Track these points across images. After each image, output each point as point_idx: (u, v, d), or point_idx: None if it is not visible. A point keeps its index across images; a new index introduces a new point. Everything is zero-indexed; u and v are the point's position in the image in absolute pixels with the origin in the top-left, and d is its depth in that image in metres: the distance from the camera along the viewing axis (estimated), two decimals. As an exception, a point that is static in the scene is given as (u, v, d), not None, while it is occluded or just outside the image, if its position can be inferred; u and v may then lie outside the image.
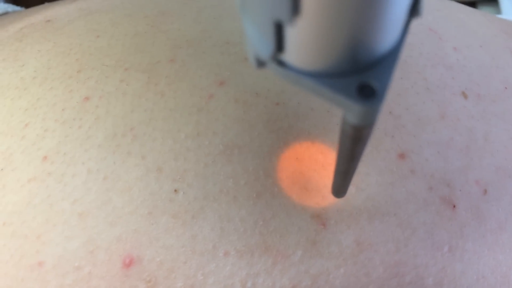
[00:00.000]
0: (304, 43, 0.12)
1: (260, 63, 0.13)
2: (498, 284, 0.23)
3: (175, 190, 0.22)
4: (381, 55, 0.12)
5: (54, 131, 0.24)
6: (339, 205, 0.22)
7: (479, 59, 0.29)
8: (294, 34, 0.12)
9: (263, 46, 0.12)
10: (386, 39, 0.12)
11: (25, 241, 0.22)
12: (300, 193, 0.22)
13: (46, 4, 0.37)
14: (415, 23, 0.30)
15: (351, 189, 0.23)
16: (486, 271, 0.23)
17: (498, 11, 0.66)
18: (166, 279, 0.21)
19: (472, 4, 0.68)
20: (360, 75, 0.12)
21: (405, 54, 0.27)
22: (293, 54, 0.12)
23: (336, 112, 0.24)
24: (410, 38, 0.29)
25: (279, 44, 0.12)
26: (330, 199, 0.22)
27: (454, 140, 0.25)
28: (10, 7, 0.41)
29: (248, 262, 0.21)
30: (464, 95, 0.27)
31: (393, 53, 0.13)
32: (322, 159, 0.23)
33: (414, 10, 0.13)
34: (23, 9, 0.41)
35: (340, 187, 0.19)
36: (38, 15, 0.34)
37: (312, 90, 0.13)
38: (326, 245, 0.22)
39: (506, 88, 0.29)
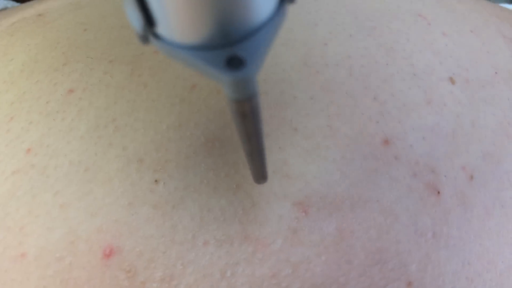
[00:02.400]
0: (171, 16, 0.12)
1: (142, 39, 0.13)
2: (485, 271, 0.23)
3: (156, 181, 0.22)
4: (252, 28, 0.13)
5: (38, 124, 0.24)
6: (321, 192, 0.22)
7: (469, 44, 0.29)
8: (160, 7, 0.12)
9: (137, 21, 0.13)
10: (255, 12, 0.13)
11: (8, 233, 0.22)
12: (282, 181, 0.22)
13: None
14: (404, 10, 0.30)
15: (335, 175, 0.22)
16: (472, 258, 0.23)
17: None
18: (146, 269, 0.21)
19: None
20: (230, 47, 0.13)
21: (391, 40, 0.27)
22: (165, 27, 0.13)
23: (319, 98, 0.24)
24: (397, 24, 0.28)
25: (147, 17, 0.13)
26: (314, 185, 0.22)
27: (440, 126, 0.25)
28: (10, 3, 0.41)
29: (228, 251, 0.21)
30: (452, 81, 0.26)
31: (267, 27, 0.13)
32: (306, 145, 0.23)
33: None
34: (20, 4, 0.41)
35: (255, 172, 0.19)
36: (31, 9, 0.34)
37: (188, 63, 0.13)
38: (307, 233, 0.21)
39: (496, 73, 0.28)
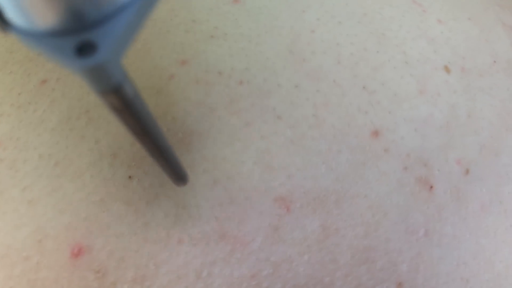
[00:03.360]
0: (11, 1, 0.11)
1: None
2: (482, 271, 0.22)
3: (130, 177, 0.21)
4: (108, 11, 0.11)
5: (9, 116, 0.23)
6: (305, 186, 0.21)
7: (466, 32, 0.27)
8: None
9: None
10: None
11: (-25, 231, 0.21)
12: (263, 173, 0.21)
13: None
14: (398, -4, 0.28)
15: (320, 168, 0.21)
16: (468, 257, 0.22)
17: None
18: (116, 269, 0.19)
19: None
20: (81, 33, 0.11)
21: (383, 27, 0.26)
22: (10, 12, 0.11)
23: (305, 86, 0.23)
24: (390, 11, 0.27)
25: None
26: (297, 179, 0.21)
27: (434, 117, 0.23)
28: None
29: (203, 250, 0.20)
30: (447, 69, 0.25)
31: (128, 10, 0.11)
32: (290, 134, 0.21)
33: None
34: None
35: (166, 172, 0.18)
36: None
37: (40, 52, 0.12)
38: (289, 230, 0.20)
39: (495, 62, 0.27)
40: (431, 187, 0.22)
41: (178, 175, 0.18)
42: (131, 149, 0.22)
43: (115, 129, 0.22)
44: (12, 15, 0.11)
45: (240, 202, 0.20)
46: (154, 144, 0.15)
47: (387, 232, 0.21)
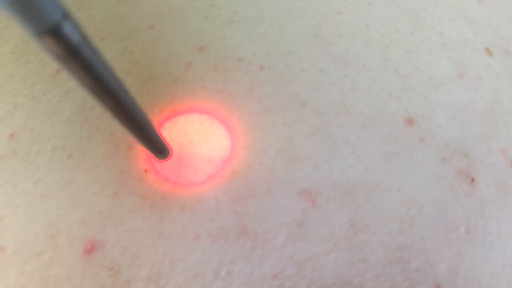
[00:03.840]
0: None
1: None
2: (530, 272, 0.20)
3: (146, 170, 0.20)
4: None
5: (23, 107, 0.23)
6: (333, 178, 0.19)
7: (509, 12, 0.25)
8: None
9: None
10: None
11: (-12, 226, 0.20)
12: (287, 164, 0.19)
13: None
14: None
15: (349, 159, 0.19)
16: (514, 257, 0.19)
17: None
18: (130, 266, 0.18)
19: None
20: None
21: (417, 7, 0.24)
22: None
23: (331, 71, 0.21)
24: (425, -9, 0.25)
25: None
26: (323, 170, 0.19)
27: (475, 103, 0.21)
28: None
29: (222, 247, 0.18)
30: (489, 52, 0.23)
31: None
32: (316, 122, 0.20)
33: None
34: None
35: (142, 142, 0.16)
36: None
37: None
38: (315, 226, 0.19)
39: (542, 43, 0.24)
40: (473, 179, 0.20)
41: (155, 147, 0.17)
42: None
43: None
44: None
45: (261, 195, 0.19)
46: (116, 105, 0.13)
47: (423, 229, 0.19)
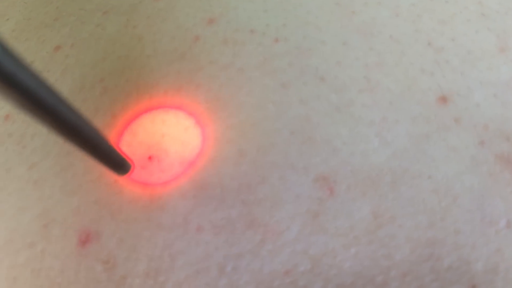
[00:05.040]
0: None
1: None
2: None
3: (149, 157, 0.18)
4: None
5: None
6: (354, 163, 0.17)
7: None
8: None
9: None
10: None
11: (-20, 213, 0.19)
12: (302, 146, 0.17)
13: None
14: None
15: (373, 142, 0.17)
16: None
17: None
18: (127, 260, 0.17)
19: None
20: None
21: (453, -27, 0.21)
22: None
23: (355, 43, 0.19)
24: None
25: None
26: (343, 154, 0.17)
27: (519, 80, 0.19)
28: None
29: (228, 240, 0.17)
30: (535, 22, 0.20)
31: None
32: (336, 100, 0.18)
33: None
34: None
35: (95, 159, 0.14)
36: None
37: None
38: (333, 218, 0.17)
39: None
40: (515, 166, 0.18)
41: (111, 163, 0.15)
42: (152, 129, 0.19)
43: (133, 101, 0.20)
44: None
45: (273, 182, 0.17)
46: (60, 126, 0.12)
47: (457, 222, 0.17)
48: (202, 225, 0.17)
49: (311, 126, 0.18)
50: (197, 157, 0.18)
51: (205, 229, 0.17)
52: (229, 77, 0.19)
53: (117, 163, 0.16)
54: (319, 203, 0.17)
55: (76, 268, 0.17)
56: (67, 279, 0.17)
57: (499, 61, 0.19)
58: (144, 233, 0.17)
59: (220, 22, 0.21)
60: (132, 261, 0.17)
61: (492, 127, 0.18)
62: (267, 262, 0.16)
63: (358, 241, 0.17)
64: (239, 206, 0.17)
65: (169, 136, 0.19)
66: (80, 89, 0.20)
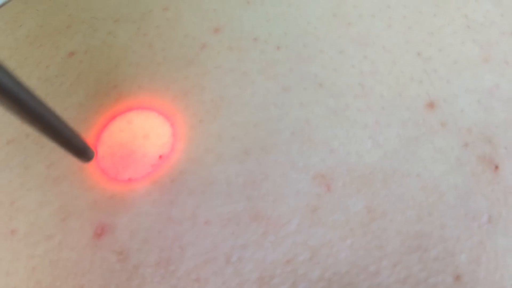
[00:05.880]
0: None
1: None
2: (557, 265, 0.19)
3: (160, 156, 0.20)
4: None
5: (36, 89, 0.22)
6: (349, 162, 0.19)
7: (539, -6, 0.24)
8: None
9: None
10: None
11: (0, 208, 0.20)
12: (302, 146, 0.19)
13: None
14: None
15: (366, 143, 0.19)
16: (540, 248, 0.19)
17: None
18: (139, 251, 0.18)
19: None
20: None
21: (441, -12, 0.23)
22: None
23: (350, 52, 0.20)
24: (449, -28, 0.24)
25: None
26: (340, 154, 0.19)
27: (500, 88, 0.20)
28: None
29: (234, 232, 0.18)
30: (516, 35, 0.22)
31: None
32: (333, 104, 0.19)
33: None
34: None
35: (58, 145, 0.15)
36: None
37: None
38: (330, 212, 0.18)
39: None
40: (496, 167, 0.19)
41: (74, 149, 0.16)
42: (162, 130, 0.20)
43: (147, 111, 0.21)
44: None
45: (275, 179, 0.18)
46: (22, 111, 0.13)
47: (443, 217, 0.18)
48: (210, 219, 0.18)
49: (310, 128, 0.19)
50: (204, 154, 0.19)
51: (212, 222, 0.18)
52: (234, 80, 0.20)
53: (80, 150, 0.17)
54: (318, 199, 0.18)
55: (91, 258, 0.19)
56: (83, 268, 0.19)
57: (482, 70, 0.21)
58: (155, 226, 0.18)
59: (225, 31, 0.22)
60: (144, 252, 0.18)
61: (475, 131, 0.20)
62: (270, 252, 0.18)
63: (353, 233, 0.18)
64: (244, 201, 0.18)
65: (175, 135, 0.20)
66: (95, 94, 0.21)
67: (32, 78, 0.23)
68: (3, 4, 0.37)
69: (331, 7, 0.22)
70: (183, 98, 0.21)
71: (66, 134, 0.16)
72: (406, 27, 0.21)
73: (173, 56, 0.22)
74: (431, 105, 0.20)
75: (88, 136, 0.20)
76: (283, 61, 0.20)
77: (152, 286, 0.18)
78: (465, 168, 0.19)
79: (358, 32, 0.21)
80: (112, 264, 0.18)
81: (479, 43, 0.21)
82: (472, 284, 0.18)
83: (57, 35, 0.25)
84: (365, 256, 0.18)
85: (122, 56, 0.22)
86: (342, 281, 0.18)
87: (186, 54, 0.21)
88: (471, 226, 0.18)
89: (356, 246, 0.18)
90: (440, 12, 0.22)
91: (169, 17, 0.23)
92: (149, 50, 0.22)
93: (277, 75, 0.20)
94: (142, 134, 0.20)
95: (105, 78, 0.22)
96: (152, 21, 0.23)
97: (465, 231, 0.18)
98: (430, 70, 0.20)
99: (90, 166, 0.20)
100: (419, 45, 0.21)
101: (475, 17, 0.22)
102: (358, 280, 0.18)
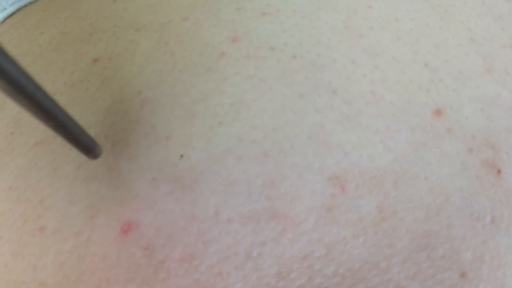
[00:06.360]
0: None
1: None
2: (555, 263, 0.20)
3: (181, 156, 0.21)
4: None
5: (62, 94, 0.23)
6: (361, 165, 0.20)
7: (537, 9, 0.25)
8: None
9: None
10: None
11: (28, 205, 0.21)
12: (318, 149, 0.20)
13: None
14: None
15: (378, 147, 0.20)
16: (539, 247, 0.20)
17: None
18: (164, 246, 0.19)
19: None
20: None
21: (445, 3, 0.24)
22: None
23: (362, 62, 0.21)
24: (453, -13, 0.25)
25: None
26: (353, 157, 0.20)
27: (502, 97, 0.22)
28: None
29: (254, 229, 0.19)
30: (516, 47, 0.23)
31: None
32: (346, 110, 0.20)
33: None
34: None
35: (68, 141, 0.16)
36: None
37: None
38: (344, 211, 0.19)
39: None
40: (499, 171, 0.20)
41: (81, 146, 0.17)
42: (182, 130, 0.21)
43: (167, 113, 0.22)
44: None
45: (293, 180, 0.19)
46: (36, 107, 0.14)
47: (449, 217, 0.19)
48: (232, 217, 0.19)
49: (325, 132, 0.20)
50: (224, 154, 0.20)
51: (234, 220, 0.19)
52: (252, 86, 0.21)
53: (88, 147, 0.18)
54: (332, 199, 0.19)
55: (118, 254, 0.20)
56: (110, 263, 0.20)
57: (485, 80, 0.22)
58: (180, 223, 0.19)
59: (243, 40, 0.23)
60: (169, 247, 0.19)
61: (479, 136, 0.21)
62: (287, 248, 0.19)
63: (365, 231, 0.19)
64: (264, 200, 0.19)
65: (196, 136, 0.21)
66: (121, 101, 0.22)
67: (58, 82, 0.24)
68: (8, 17, 0.38)
69: (343, 20, 0.23)
70: (202, 101, 0.22)
71: (75, 132, 0.17)
72: (413, 39, 0.22)
73: (194, 64, 0.23)
74: (438, 112, 0.21)
75: (116, 140, 0.21)
76: (299, 70, 0.21)
77: (176, 280, 0.19)
78: (469, 172, 0.20)
79: (368, 43, 0.22)
80: (138, 259, 0.19)
81: (482, 55, 0.22)
82: (476, 281, 0.19)
83: (80, 42, 0.25)
84: (376, 253, 0.19)
85: (145, 63, 0.23)
86: (355, 276, 0.19)
87: (205, 61, 0.23)
88: (475, 226, 0.19)
89: (368, 243, 0.19)
90: (445, 25, 0.23)
91: (189, 27, 0.24)
92: (170, 58, 0.23)
93: (293, 83, 0.21)
94: (165, 136, 0.21)
95: (129, 84, 0.23)
96: (173, 30, 0.24)
97: (470, 231, 0.19)
98: (437, 80, 0.21)
99: (116, 167, 0.21)
100: (426, 56, 0.22)
101: (478, 30, 0.23)
102: (370, 275, 0.19)
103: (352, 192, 0.19)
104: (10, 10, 0.34)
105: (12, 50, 0.28)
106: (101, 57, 0.24)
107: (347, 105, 0.20)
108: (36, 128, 0.23)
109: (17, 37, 0.29)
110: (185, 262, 0.19)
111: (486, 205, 0.20)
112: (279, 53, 0.22)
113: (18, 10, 0.37)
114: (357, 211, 0.19)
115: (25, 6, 0.34)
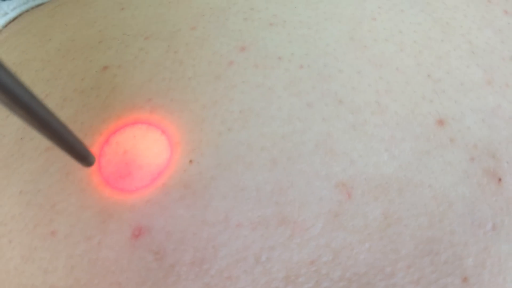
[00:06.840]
0: None
1: None
2: (553, 269, 0.21)
3: (190, 161, 0.21)
4: None
5: (72, 101, 0.24)
6: (367, 173, 0.20)
7: (535, 22, 0.26)
8: None
9: None
10: None
11: (39, 210, 0.22)
12: (325, 157, 0.20)
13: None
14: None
15: (383, 155, 0.21)
16: (538, 254, 0.20)
17: None
18: (175, 251, 0.19)
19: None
20: None
21: (447, 16, 0.25)
22: None
23: (367, 72, 0.22)
24: (453, 1, 0.26)
25: None
26: (359, 165, 0.20)
27: (502, 108, 0.22)
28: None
29: (263, 234, 0.19)
30: (516, 60, 0.24)
31: None
32: (352, 119, 0.21)
33: None
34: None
35: (62, 150, 0.17)
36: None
37: None
38: (350, 217, 0.20)
39: None
40: (500, 179, 0.21)
41: (76, 154, 0.17)
42: (191, 136, 0.22)
43: (177, 119, 0.22)
44: None
45: (300, 186, 0.20)
46: (31, 117, 0.14)
47: (452, 224, 0.20)
48: (241, 222, 0.20)
49: (332, 140, 0.21)
50: (234, 161, 0.21)
51: (243, 225, 0.20)
52: (261, 94, 0.22)
53: (82, 155, 0.18)
54: (339, 205, 0.20)
55: (129, 258, 0.20)
56: (121, 267, 0.20)
57: (486, 91, 0.23)
58: (190, 228, 0.20)
59: (251, 49, 0.24)
60: (180, 251, 0.20)
61: (481, 146, 0.21)
62: (295, 253, 0.19)
63: (371, 237, 0.19)
64: (272, 206, 0.20)
65: (204, 142, 0.22)
66: (132, 108, 0.23)
67: (68, 89, 0.24)
68: (10, 22, 0.38)
69: (348, 31, 0.24)
70: (211, 107, 0.22)
71: (70, 140, 0.17)
72: (417, 51, 0.23)
73: (203, 72, 0.23)
74: (440, 122, 0.21)
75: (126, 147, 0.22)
76: (306, 79, 0.22)
77: (186, 284, 0.19)
78: (471, 180, 0.21)
79: (373, 54, 0.23)
80: (149, 263, 0.20)
81: (482, 67, 0.23)
82: (478, 286, 0.20)
83: (89, 49, 0.26)
84: (382, 259, 0.19)
85: (155, 71, 0.23)
86: (360, 281, 0.19)
87: (214, 70, 0.23)
88: (477, 233, 0.20)
89: (373, 249, 0.19)
90: (446, 38, 0.24)
91: (197, 36, 0.24)
92: (179, 66, 0.23)
93: (300, 92, 0.22)
94: (175, 142, 0.22)
95: (139, 91, 0.23)
96: (182, 39, 0.25)
97: (472, 237, 0.20)
98: (440, 91, 0.22)
99: (129, 174, 0.21)
100: (429, 67, 0.23)
101: (478, 43, 0.24)
102: (375, 280, 0.19)
103: (358, 199, 0.20)
104: (12, 15, 0.34)
105: (19, 55, 0.28)
106: (111, 65, 0.24)
107: (353, 115, 0.21)
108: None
109: (24, 42, 0.29)
110: (195, 266, 0.19)
111: (487, 212, 0.20)
112: (287, 63, 0.23)
113: (20, 15, 0.38)
114: (363, 217, 0.20)
115: (27, 11, 0.34)
